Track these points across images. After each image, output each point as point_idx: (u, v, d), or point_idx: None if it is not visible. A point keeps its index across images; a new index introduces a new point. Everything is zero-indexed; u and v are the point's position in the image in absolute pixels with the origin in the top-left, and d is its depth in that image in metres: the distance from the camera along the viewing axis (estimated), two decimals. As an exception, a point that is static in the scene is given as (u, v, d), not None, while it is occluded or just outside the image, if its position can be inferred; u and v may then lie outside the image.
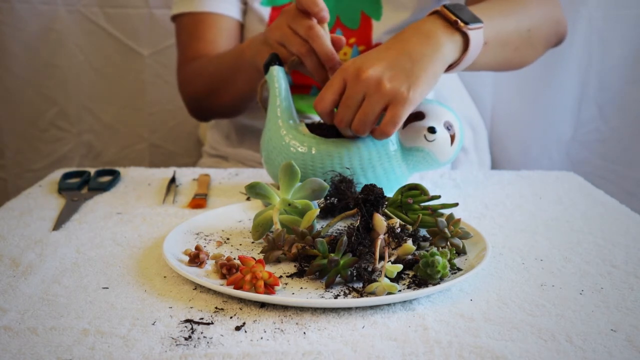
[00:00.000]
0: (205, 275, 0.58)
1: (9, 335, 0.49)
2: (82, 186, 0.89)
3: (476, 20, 0.77)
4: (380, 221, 0.61)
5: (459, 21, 0.75)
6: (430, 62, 0.74)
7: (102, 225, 0.74)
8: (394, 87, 0.71)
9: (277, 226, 0.65)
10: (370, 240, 0.61)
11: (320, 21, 0.80)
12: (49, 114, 1.53)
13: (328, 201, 0.74)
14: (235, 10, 1.12)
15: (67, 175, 0.93)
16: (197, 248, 0.62)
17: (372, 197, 0.64)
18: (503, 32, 0.86)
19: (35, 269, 0.61)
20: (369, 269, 0.57)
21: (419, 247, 0.64)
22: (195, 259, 0.61)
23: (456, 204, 0.68)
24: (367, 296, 0.53)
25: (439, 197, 0.69)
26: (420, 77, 0.72)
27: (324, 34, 0.80)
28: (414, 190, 0.69)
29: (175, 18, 1.15)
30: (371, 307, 0.53)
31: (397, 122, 0.72)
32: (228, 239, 0.69)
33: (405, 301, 0.54)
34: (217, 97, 1.07)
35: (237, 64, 0.98)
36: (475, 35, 0.77)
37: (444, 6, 0.77)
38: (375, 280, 0.55)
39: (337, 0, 1.10)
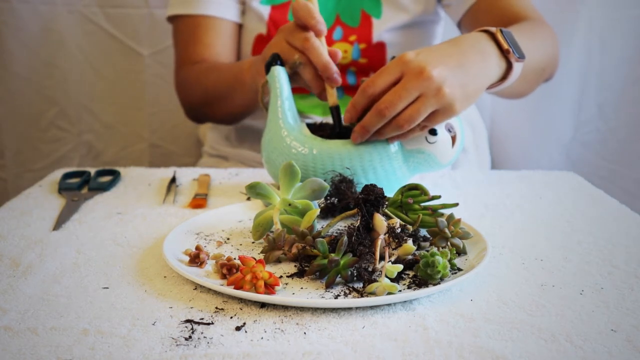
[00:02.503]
0: (206, 275, 0.58)
1: (9, 335, 0.49)
2: (82, 186, 0.89)
3: (522, 54, 0.79)
4: (380, 221, 0.61)
5: (512, 52, 0.77)
6: (481, 84, 0.75)
7: (102, 225, 0.74)
8: (450, 96, 0.70)
9: (277, 226, 0.65)
10: (370, 240, 0.61)
11: (317, 34, 0.81)
12: (49, 114, 1.53)
13: (328, 201, 0.74)
14: (233, 12, 1.12)
15: (67, 175, 0.93)
16: (198, 248, 0.62)
17: (372, 197, 0.64)
18: (529, 67, 0.86)
19: (35, 269, 0.61)
20: (369, 269, 0.57)
21: (419, 247, 0.64)
22: (196, 259, 0.61)
23: (456, 204, 0.68)
24: (367, 296, 0.53)
25: (439, 197, 0.69)
26: (470, 95, 0.74)
27: (320, 45, 0.80)
28: (414, 190, 0.69)
29: (172, 19, 1.15)
30: (371, 307, 0.53)
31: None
32: (228, 239, 0.69)
33: (405, 301, 0.54)
34: (213, 109, 1.08)
35: (236, 82, 0.98)
36: (518, 67, 0.79)
37: (501, 32, 0.77)
38: (375, 280, 0.55)
39: (337, -1, 1.10)
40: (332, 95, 0.82)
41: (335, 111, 0.82)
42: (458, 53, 0.74)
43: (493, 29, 0.78)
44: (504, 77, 0.79)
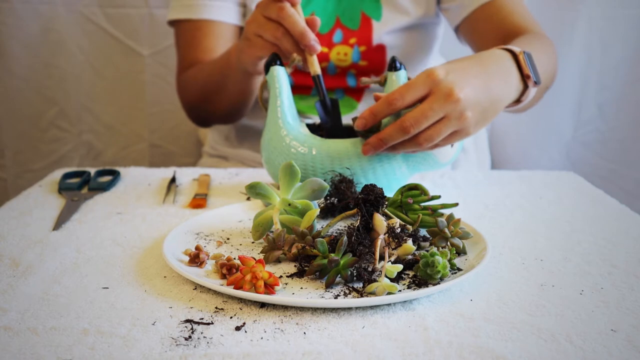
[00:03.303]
0: (205, 275, 0.58)
1: (9, 335, 0.49)
2: (82, 186, 0.89)
3: (540, 79, 0.79)
4: (380, 221, 0.61)
5: (531, 77, 0.77)
6: (499, 107, 0.76)
7: (102, 225, 0.74)
8: (470, 120, 0.71)
9: (277, 226, 0.65)
10: (370, 240, 0.61)
11: (292, 3, 0.81)
12: (49, 114, 1.53)
13: (328, 201, 0.74)
14: (234, 16, 1.11)
15: (67, 175, 0.93)
16: (197, 248, 0.62)
17: (372, 197, 0.64)
18: (538, 89, 0.87)
19: (35, 269, 0.61)
20: (369, 269, 0.57)
21: (419, 247, 0.64)
22: (196, 259, 0.61)
23: (456, 204, 0.68)
24: (367, 296, 0.53)
25: (439, 197, 0.69)
26: (487, 120, 0.74)
27: (295, 13, 0.81)
28: (414, 190, 0.69)
29: (173, 23, 1.15)
30: (371, 307, 0.53)
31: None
32: (228, 239, 0.69)
33: (405, 301, 0.54)
34: (212, 102, 1.08)
35: (226, 67, 0.99)
36: (533, 91, 0.80)
37: (524, 54, 0.77)
38: (375, 280, 0.55)
39: (337, 0, 1.10)
40: (313, 64, 0.82)
41: (317, 80, 0.82)
42: (484, 74, 0.74)
43: (517, 50, 0.78)
44: (518, 99, 0.80)
